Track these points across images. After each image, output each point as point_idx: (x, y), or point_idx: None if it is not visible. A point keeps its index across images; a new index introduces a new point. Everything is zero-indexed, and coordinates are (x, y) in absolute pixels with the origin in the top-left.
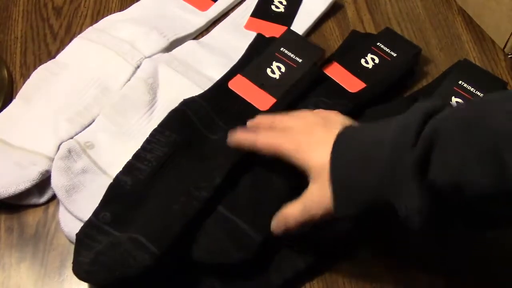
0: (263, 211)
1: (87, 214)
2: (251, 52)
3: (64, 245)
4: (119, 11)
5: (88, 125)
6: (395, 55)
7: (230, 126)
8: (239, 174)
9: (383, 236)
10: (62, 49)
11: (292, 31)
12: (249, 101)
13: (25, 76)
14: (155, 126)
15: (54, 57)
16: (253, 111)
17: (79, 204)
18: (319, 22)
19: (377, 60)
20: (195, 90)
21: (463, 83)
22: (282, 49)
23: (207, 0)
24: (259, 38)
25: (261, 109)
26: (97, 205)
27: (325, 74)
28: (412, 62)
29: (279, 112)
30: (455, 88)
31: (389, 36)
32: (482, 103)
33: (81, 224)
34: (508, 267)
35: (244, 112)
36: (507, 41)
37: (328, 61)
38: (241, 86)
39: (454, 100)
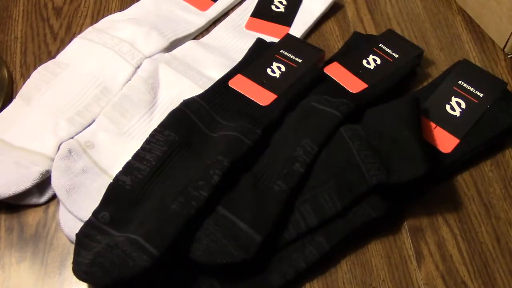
0: (263, 211)
1: (87, 214)
2: (251, 55)
3: (64, 245)
4: (119, 11)
5: (88, 125)
6: (397, 56)
7: (230, 122)
8: (238, 174)
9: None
10: (62, 49)
11: (291, 35)
12: (250, 97)
13: (25, 76)
14: (156, 126)
15: (54, 57)
16: (253, 107)
17: (79, 204)
18: (319, 22)
19: (378, 61)
20: (195, 90)
21: (462, 83)
22: (282, 51)
23: (207, 0)
24: (259, 42)
25: (262, 104)
26: (97, 205)
27: (327, 74)
28: (414, 63)
29: (281, 108)
30: (454, 88)
31: (391, 37)
32: None
33: (81, 224)
34: None
35: (244, 108)
36: (507, 41)
37: (329, 62)
38: (242, 84)
39: (454, 100)
